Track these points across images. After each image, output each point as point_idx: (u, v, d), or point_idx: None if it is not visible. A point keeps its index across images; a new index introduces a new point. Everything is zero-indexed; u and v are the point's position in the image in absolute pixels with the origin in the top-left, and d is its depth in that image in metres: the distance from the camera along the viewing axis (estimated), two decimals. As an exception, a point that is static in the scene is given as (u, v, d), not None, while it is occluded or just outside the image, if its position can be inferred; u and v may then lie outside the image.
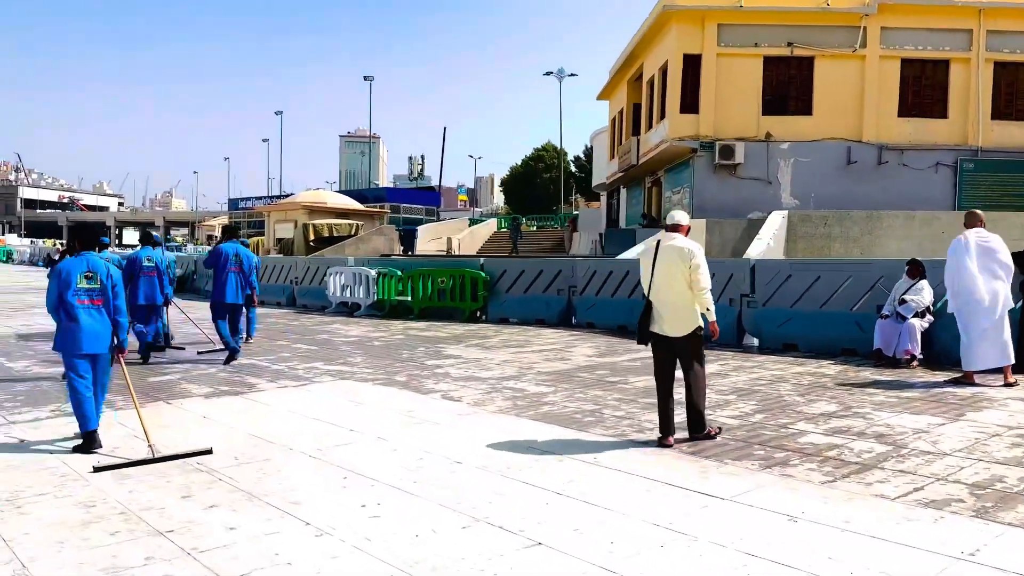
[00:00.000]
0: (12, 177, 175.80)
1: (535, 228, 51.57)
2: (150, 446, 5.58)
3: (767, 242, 15.72)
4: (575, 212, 50.99)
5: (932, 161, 25.17)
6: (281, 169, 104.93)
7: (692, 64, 25.16)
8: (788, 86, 25.37)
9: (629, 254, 16.27)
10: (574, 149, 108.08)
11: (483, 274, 15.50)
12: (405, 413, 7.00)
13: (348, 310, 18.03)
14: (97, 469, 5.29)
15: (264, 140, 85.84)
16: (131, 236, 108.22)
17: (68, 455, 5.71)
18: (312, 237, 25.94)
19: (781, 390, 7.98)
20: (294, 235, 27.61)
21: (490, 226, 48.59)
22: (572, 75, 72.94)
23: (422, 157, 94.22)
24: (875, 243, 17.59)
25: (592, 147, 46.87)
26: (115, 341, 6.06)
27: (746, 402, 7.36)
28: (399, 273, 16.70)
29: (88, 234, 6.40)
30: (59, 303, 5.86)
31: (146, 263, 10.81)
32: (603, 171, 39.87)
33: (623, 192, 37.17)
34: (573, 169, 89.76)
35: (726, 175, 25.01)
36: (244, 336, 11.73)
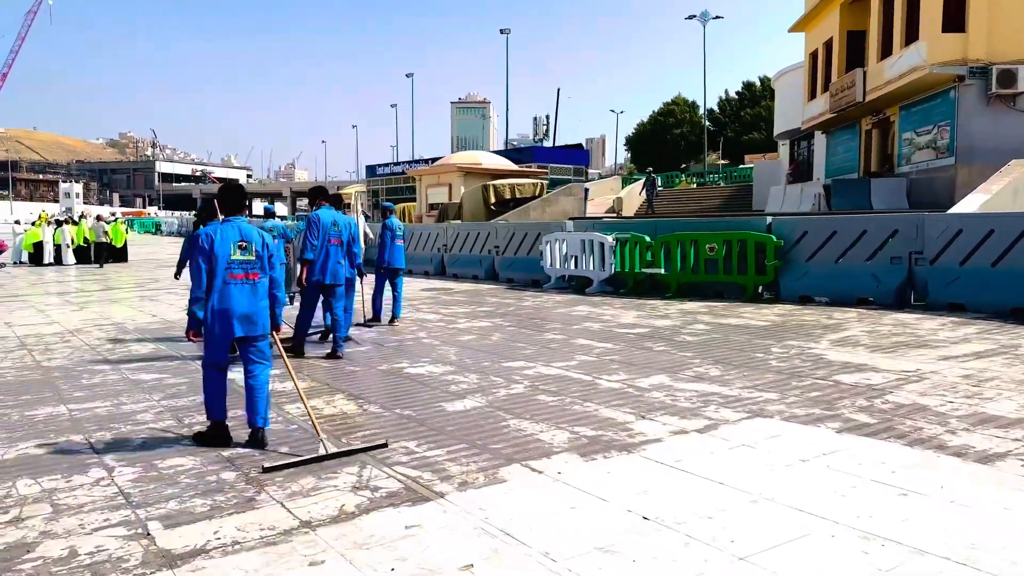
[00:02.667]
0: (149, 153, 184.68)
1: (695, 185, 46.88)
2: (322, 440, 4.80)
3: None
4: (749, 166, 45.82)
5: None
6: (413, 134, 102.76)
7: (956, -29, 20.18)
8: (1087, -9, 19.97)
9: (969, 205, 12.09)
10: (708, 101, 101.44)
11: (773, 238, 11.73)
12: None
13: (570, 286, 14.72)
14: (267, 470, 4.48)
15: (392, 105, 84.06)
16: (259, 207, 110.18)
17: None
18: (493, 200, 22.78)
19: None
20: (463, 198, 24.58)
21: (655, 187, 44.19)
22: (717, 18, 66.99)
23: (547, 117, 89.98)
24: None
25: (774, 90, 41.53)
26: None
27: None
28: (647, 239, 13.15)
29: (235, 196, 5.21)
30: (210, 281, 4.90)
31: (332, 229, 8.83)
32: (792, 115, 34.88)
33: (820, 139, 32.21)
34: (706, 124, 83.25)
35: (1003, 108, 20.03)
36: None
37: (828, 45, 28.86)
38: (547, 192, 24.26)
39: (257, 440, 4.99)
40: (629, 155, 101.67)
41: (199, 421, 5.65)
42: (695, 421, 5.31)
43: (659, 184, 43.28)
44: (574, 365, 7.38)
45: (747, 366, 7.04)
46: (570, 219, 22.89)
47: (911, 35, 21.67)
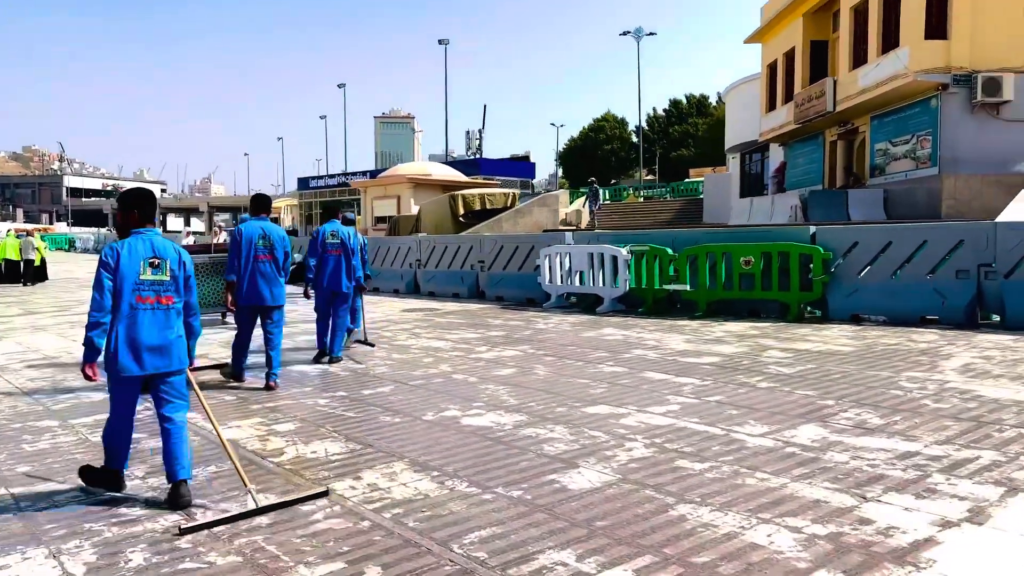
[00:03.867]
0: (56, 167, 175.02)
1: (642, 199, 46.22)
2: (250, 491, 3.95)
3: None
4: (696, 180, 45.38)
5: None
6: (346, 146, 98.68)
7: (936, -23, 19.74)
8: (1063, 0, 19.79)
9: (1020, 212, 11.16)
10: (633, 118, 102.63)
11: (820, 250, 10.50)
12: None
13: (573, 305, 13.24)
14: (184, 531, 3.67)
15: (322, 117, 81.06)
16: (175, 223, 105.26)
17: None
18: (462, 211, 21.08)
19: None
20: (422, 210, 22.82)
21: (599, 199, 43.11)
22: (651, 34, 67.18)
23: (479, 132, 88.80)
24: None
25: (725, 103, 41.25)
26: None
27: None
28: (669, 252, 11.76)
29: (146, 203, 4.30)
30: (112, 303, 4.04)
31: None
32: (744, 128, 34.46)
33: (777, 151, 31.78)
34: (640, 141, 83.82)
35: (985, 117, 19.61)
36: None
37: (789, 56, 28.38)
38: (519, 203, 22.78)
39: (179, 496, 4.07)
40: (560, 170, 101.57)
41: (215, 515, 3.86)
42: (941, 502, 3.82)
43: (603, 197, 42.33)
44: (677, 410, 5.84)
45: (903, 409, 5.64)
46: (546, 230, 21.46)
47: (888, 43, 21.17)
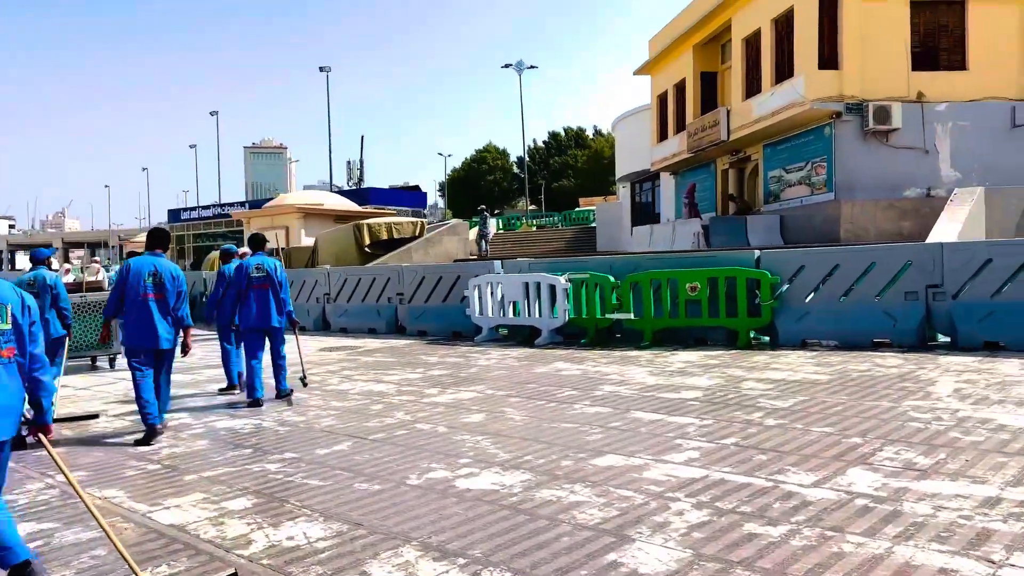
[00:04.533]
0: None
1: (535, 228, 46.21)
2: None
3: None
4: (588, 208, 45.75)
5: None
6: (219, 177, 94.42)
7: (827, 11, 20.57)
8: (939, 36, 21.08)
9: (947, 233, 11.31)
10: (513, 149, 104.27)
11: (768, 274, 10.24)
12: None
13: (505, 338, 12.51)
14: None
15: (191, 146, 77.11)
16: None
17: None
18: (367, 241, 19.89)
19: None
20: (319, 240, 21.48)
21: (490, 227, 42.71)
22: (532, 67, 68.09)
23: (360, 162, 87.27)
24: None
25: (614, 135, 41.92)
26: (32, 415, 3.66)
27: None
28: (611, 280, 11.23)
29: None
30: None
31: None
32: (634, 159, 35.02)
33: (668, 181, 32.39)
34: (525, 172, 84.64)
35: (876, 144, 20.47)
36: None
37: (679, 87, 29.03)
38: (426, 232, 21.82)
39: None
40: (444, 201, 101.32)
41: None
42: (1083, 561, 3.30)
43: (494, 226, 41.86)
44: (698, 458, 5.17)
45: (939, 444, 5.19)
46: (457, 260, 20.62)
47: (782, 73, 21.86)
